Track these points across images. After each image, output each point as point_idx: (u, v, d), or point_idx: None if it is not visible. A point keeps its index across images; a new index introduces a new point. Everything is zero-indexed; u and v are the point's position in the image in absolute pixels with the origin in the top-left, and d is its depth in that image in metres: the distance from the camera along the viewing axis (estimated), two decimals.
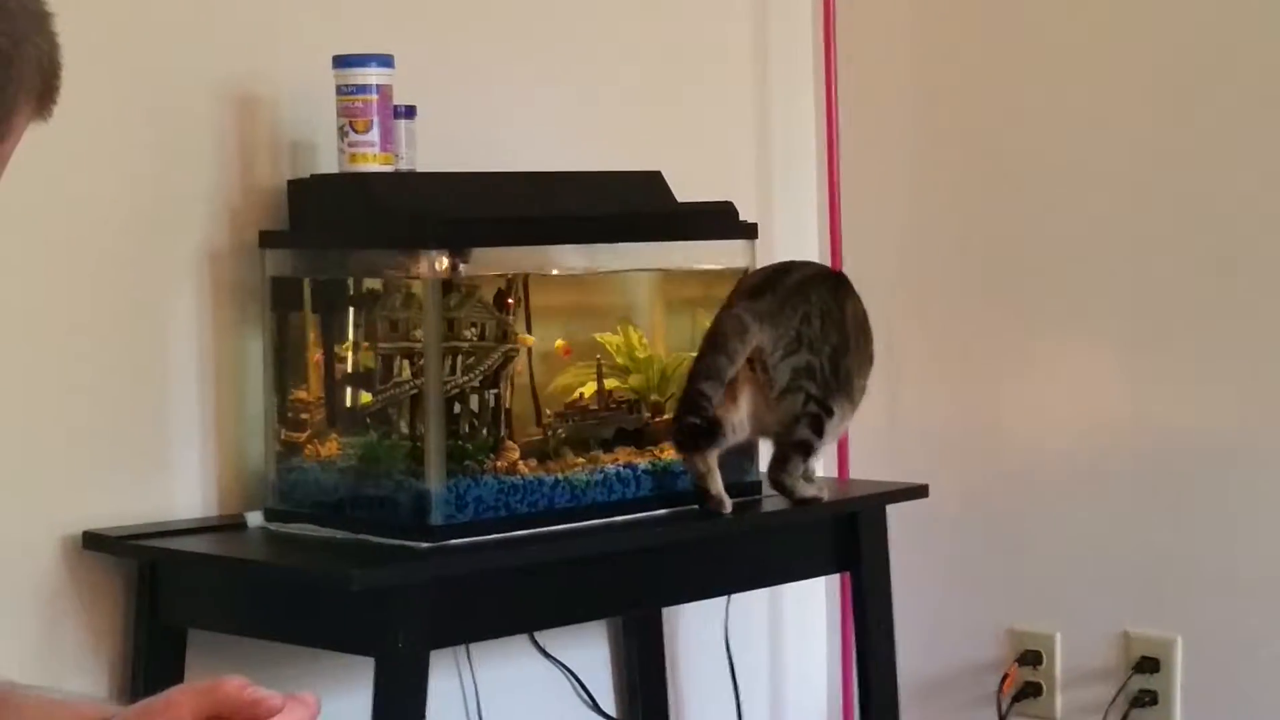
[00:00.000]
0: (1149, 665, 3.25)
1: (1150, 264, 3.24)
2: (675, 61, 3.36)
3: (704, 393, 2.69)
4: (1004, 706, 3.39)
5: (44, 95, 1.20)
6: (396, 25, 2.91)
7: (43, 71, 1.19)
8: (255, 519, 2.68)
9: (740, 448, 2.82)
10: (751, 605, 3.45)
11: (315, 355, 2.72)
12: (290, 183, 2.75)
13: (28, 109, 1.19)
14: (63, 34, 1.21)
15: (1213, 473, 3.19)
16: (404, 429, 2.61)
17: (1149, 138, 3.25)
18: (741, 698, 3.36)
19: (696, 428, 2.69)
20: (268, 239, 2.72)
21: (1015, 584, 3.42)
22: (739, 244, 2.88)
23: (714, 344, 2.73)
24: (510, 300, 2.69)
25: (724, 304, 2.78)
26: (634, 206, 2.86)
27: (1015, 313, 3.40)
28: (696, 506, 2.74)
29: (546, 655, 3.14)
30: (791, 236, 3.53)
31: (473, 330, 2.63)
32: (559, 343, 2.76)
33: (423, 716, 2.44)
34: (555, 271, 2.76)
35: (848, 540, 2.97)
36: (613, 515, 2.68)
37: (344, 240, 2.69)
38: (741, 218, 2.91)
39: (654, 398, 2.83)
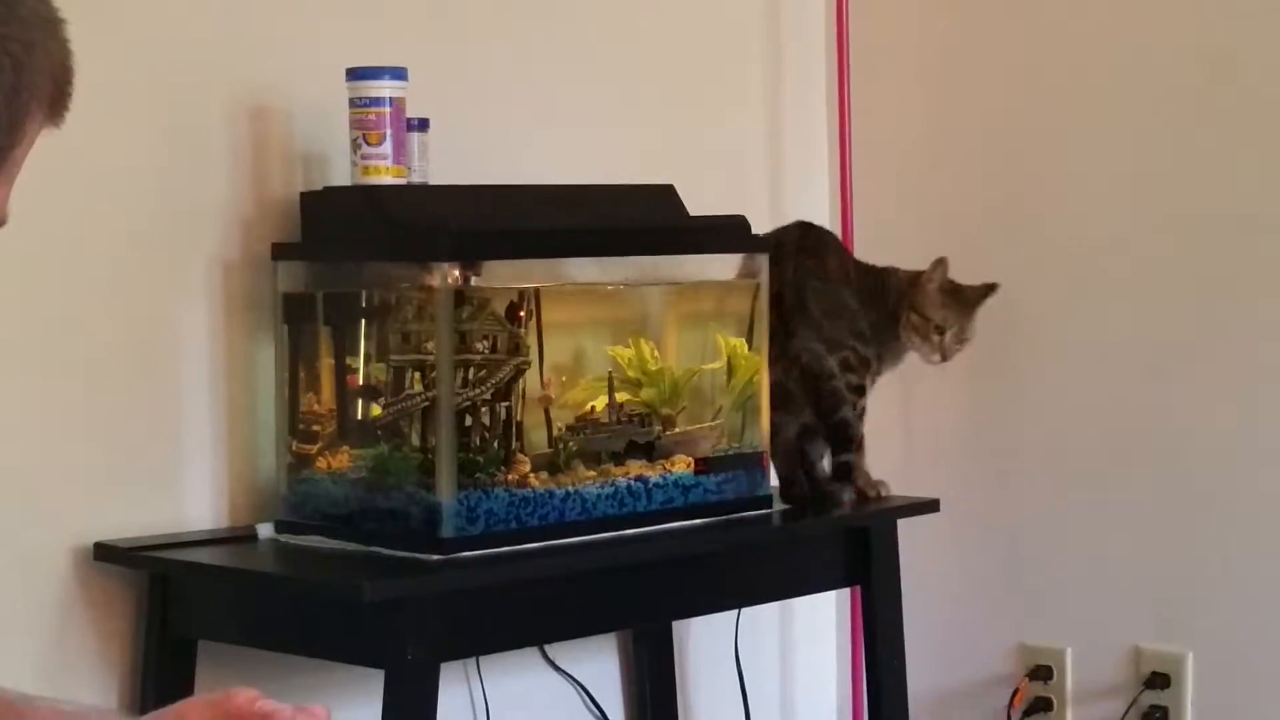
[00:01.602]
0: (1160, 681, 3.24)
1: (1166, 280, 3.24)
2: (688, 74, 3.36)
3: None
4: None
5: (56, 101, 1.21)
6: (410, 38, 2.92)
7: (55, 78, 1.20)
8: (266, 531, 2.68)
9: (750, 460, 2.82)
10: (762, 619, 3.44)
11: (327, 367, 2.72)
12: (303, 195, 2.75)
13: (40, 115, 1.20)
14: (76, 44, 1.21)
15: (1225, 488, 3.19)
16: (415, 441, 2.61)
17: (1163, 142, 3.24)
18: (751, 711, 3.36)
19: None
20: (280, 251, 2.72)
21: (1026, 599, 3.41)
22: (752, 257, 2.88)
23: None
24: (522, 313, 2.69)
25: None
26: (646, 220, 2.86)
27: (1027, 327, 3.40)
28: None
29: (556, 668, 3.14)
30: None
31: (484, 343, 2.63)
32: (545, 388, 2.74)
33: None
34: (567, 284, 2.75)
35: (859, 554, 2.97)
36: (623, 528, 2.68)
37: (356, 253, 2.69)
38: (754, 231, 2.91)
39: (665, 411, 2.83)
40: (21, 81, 1.16)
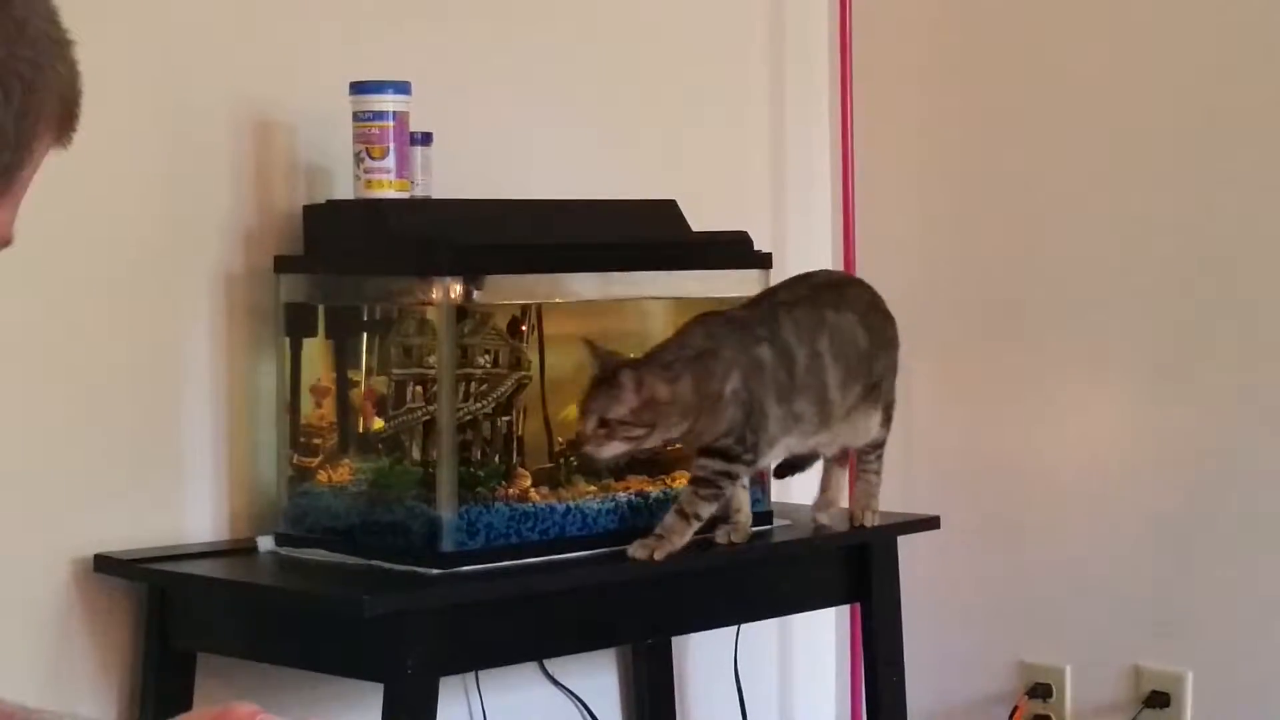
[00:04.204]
0: (1159, 700, 3.24)
1: (1168, 298, 3.24)
2: (691, 90, 3.36)
3: None
4: None
5: (64, 123, 1.21)
6: (413, 52, 2.92)
7: (63, 99, 1.20)
8: (266, 543, 2.68)
9: (753, 475, 2.83)
10: (761, 635, 3.44)
11: (328, 380, 2.72)
12: (306, 208, 2.76)
13: (48, 136, 1.19)
14: (81, 56, 1.21)
15: (1224, 507, 3.18)
16: (416, 455, 2.61)
17: (1161, 171, 3.24)
18: None
19: None
20: (283, 264, 2.72)
21: (1026, 616, 3.41)
22: (753, 273, 2.88)
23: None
24: (524, 328, 2.69)
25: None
26: (648, 235, 2.86)
27: (1028, 345, 3.40)
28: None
29: (556, 683, 3.13)
30: (806, 267, 3.53)
31: (486, 357, 2.63)
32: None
33: None
34: (569, 299, 2.76)
35: (859, 571, 2.97)
36: (624, 544, 2.68)
37: (359, 266, 2.69)
38: (756, 247, 2.91)
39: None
40: (30, 103, 1.16)
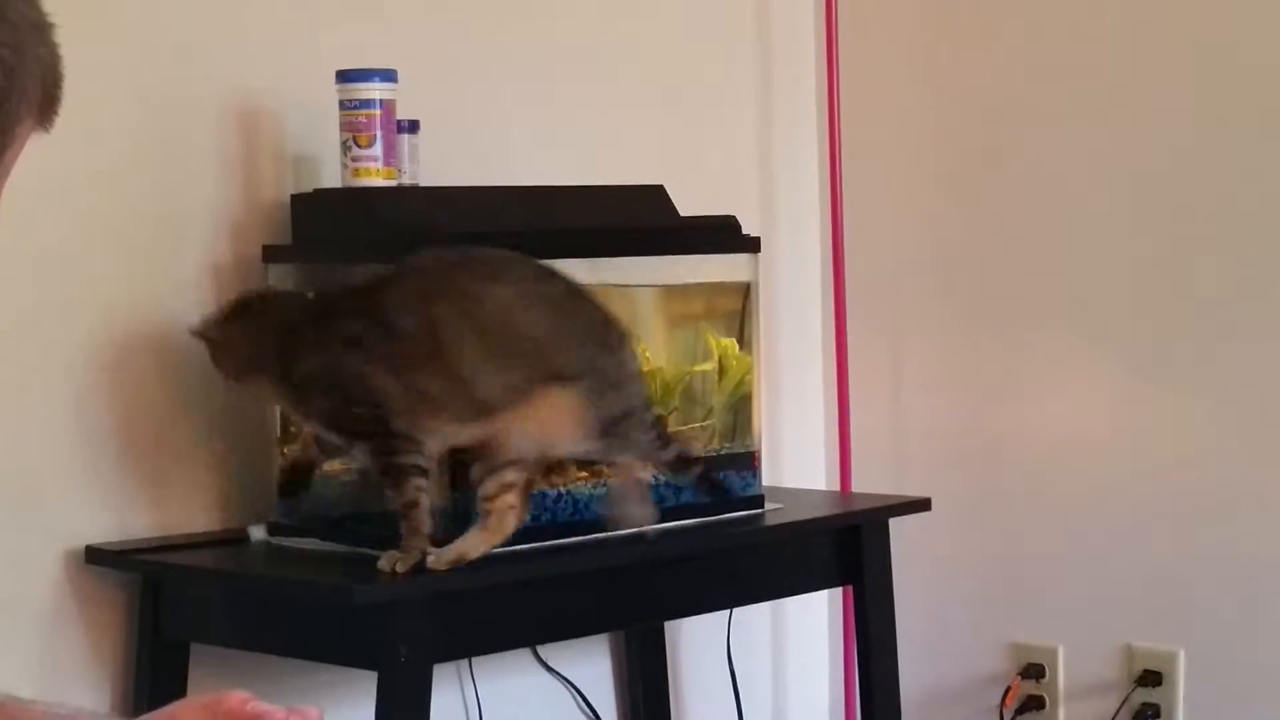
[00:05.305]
0: (1151, 679, 3.25)
1: (1157, 280, 3.25)
2: (678, 75, 3.36)
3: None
4: None
5: (45, 106, 1.21)
6: (400, 40, 2.92)
7: (44, 82, 1.20)
8: (258, 533, 2.68)
9: (741, 460, 2.83)
10: (753, 618, 3.45)
11: None
12: (293, 197, 2.76)
13: (29, 120, 1.20)
14: (65, 46, 1.21)
15: (1216, 486, 3.19)
16: None
17: (1154, 156, 3.25)
18: (744, 711, 3.36)
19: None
20: (271, 253, 2.72)
21: (1018, 597, 3.42)
22: (742, 258, 2.89)
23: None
24: None
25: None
26: (636, 220, 2.86)
27: (1019, 326, 3.40)
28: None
29: (549, 669, 3.14)
30: (794, 249, 3.54)
31: None
32: None
33: None
34: None
35: (850, 553, 2.97)
36: (616, 529, 2.68)
37: (347, 254, 2.69)
38: (744, 231, 2.91)
39: (657, 412, 2.82)
40: (11, 87, 1.16)
